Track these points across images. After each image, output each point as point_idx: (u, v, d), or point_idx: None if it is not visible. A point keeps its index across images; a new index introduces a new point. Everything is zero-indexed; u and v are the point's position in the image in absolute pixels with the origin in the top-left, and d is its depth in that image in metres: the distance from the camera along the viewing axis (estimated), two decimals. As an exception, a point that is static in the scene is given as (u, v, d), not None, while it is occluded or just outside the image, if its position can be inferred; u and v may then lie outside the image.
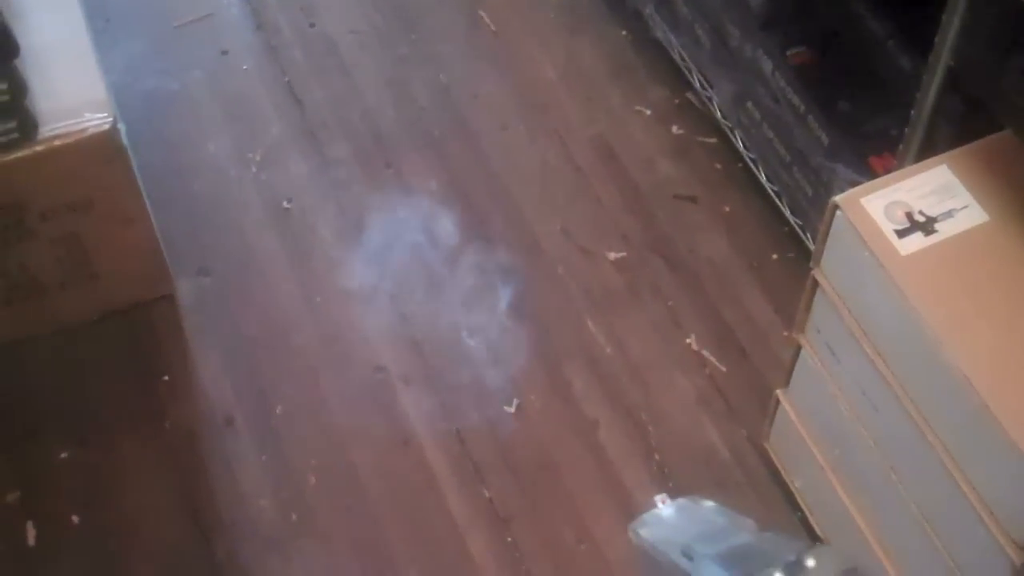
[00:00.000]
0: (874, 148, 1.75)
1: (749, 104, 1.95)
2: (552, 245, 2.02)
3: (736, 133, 2.04)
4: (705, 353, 1.89)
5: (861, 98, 1.82)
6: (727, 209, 2.06)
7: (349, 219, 2.05)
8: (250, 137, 2.16)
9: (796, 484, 1.68)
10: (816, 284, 1.42)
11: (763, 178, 1.99)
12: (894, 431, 1.35)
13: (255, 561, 1.69)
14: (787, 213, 1.95)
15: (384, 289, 1.96)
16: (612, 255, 2.01)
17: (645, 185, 2.10)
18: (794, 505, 1.69)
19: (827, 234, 1.36)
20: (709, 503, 0.98)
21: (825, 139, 1.76)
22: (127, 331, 1.91)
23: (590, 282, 1.97)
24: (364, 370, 1.87)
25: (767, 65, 1.86)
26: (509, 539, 1.70)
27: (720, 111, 2.07)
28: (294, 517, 1.73)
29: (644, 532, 0.82)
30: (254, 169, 2.11)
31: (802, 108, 1.80)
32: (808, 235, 1.88)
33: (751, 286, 1.96)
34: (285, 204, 2.07)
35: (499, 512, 1.73)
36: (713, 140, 2.14)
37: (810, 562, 0.50)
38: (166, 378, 1.87)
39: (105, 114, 1.68)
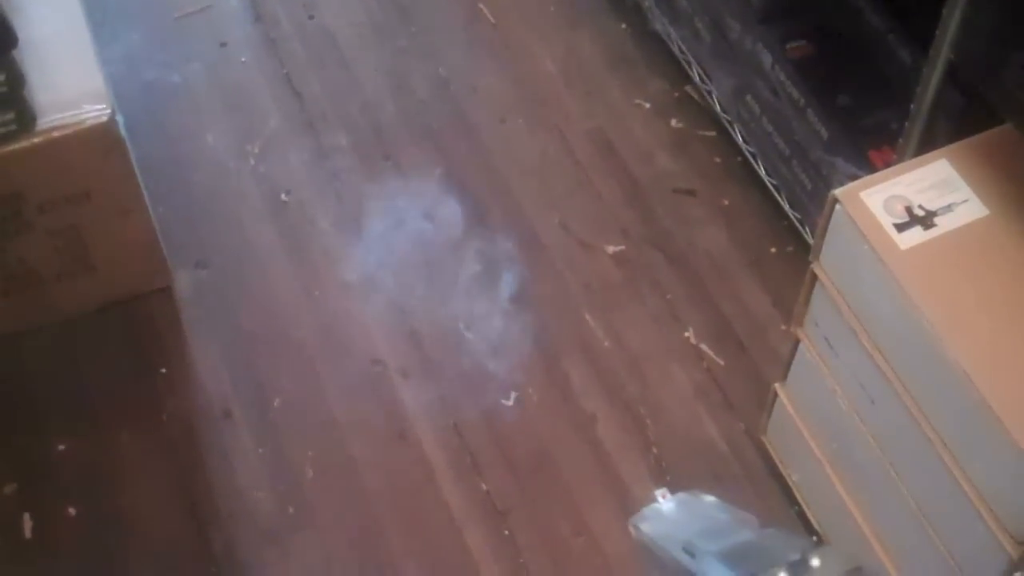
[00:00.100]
0: (874, 142, 1.75)
1: (748, 98, 1.95)
2: (551, 238, 2.01)
3: (735, 127, 2.04)
4: (703, 347, 1.89)
5: (861, 92, 1.82)
6: (726, 203, 2.06)
7: (348, 211, 2.05)
8: (249, 129, 2.15)
9: (793, 478, 1.68)
10: (815, 278, 1.42)
11: (762, 172, 1.99)
12: (892, 425, 1.35)
13: (253, 553, 1.69)
14: (786, 207, 1.95)
15: (382, 282, 1.96)
16: (611, 248, 2.00)
17: (644, 178, 2.09)
18: (791, 499, 1.69)
19: (826, 228, 1.36)
20: (710, 498, 0.98)
21: (824, 133, 1.76)
22: (125, 323, 1.91)
23: (589, 275, 1.97)
24: (362, 363, 1.87)
25: (767, 58, 1.85)
26: (506, 532, 1.70)
27: (719, 104, 2.07)
28: (291, 510, 1.73)
29: (644, 526, 0.81)
30: (252, 161, 2.11)
31: (801, 102, 1.80)
32: (807, 229, 1.88)
33: (750, 280, 1.96)
34: (283, 196, 2.07)
35: (496, 505, 1.73)
36: (712, 134, 2.14)
37: (815, 561, 0.49)
38: (164, 370, 1.87)
39: (103, 106, 1.68)
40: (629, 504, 1.72)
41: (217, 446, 1.79)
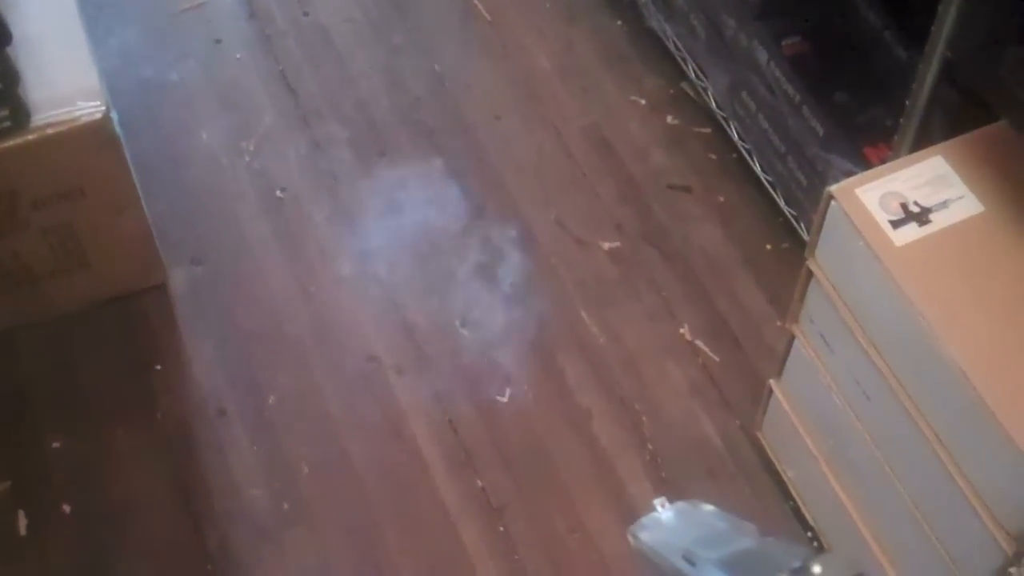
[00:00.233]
0: (869, 139, 1.75)
1: (744, 94, 1.95)
2: (546, 235, 2.01)
3: (731, 123, 2.04)
4: (699, 343, 1.89)
5: (856, 88, 1.82)
6: (721, 199, 2.06)
7: (342, 208, 2.04)
8: (244, 126, 2.15)
9: (789, 474, 1.68)
10: (810, 274, 1.42)
11: (758, 168, 1.99)
12: (887, 421, 1.35)
13: (248, 550, 1.69)
14: (781, 203, 1.95)
15: (377, 278, 1.96)
16: (606, 245, 2.00)
17: (640, 175, 2.09)
18: (786, 495, 1.69)
19: (822, 224, 1.36)
20: (709, 507, 0.98)
21: (820, 129, 1.76)
22: (120, 320, 1.90)
23: (584, 272, 1.97)
24: (357, 359, 1.87)
25: (762, 55, 1.85)
26: (501, 528, 1.70)
27: (715, 101, 2.07)
28: (287, 507, 1.72)
29: (643, 535, 0.81)
30: (247, 158, 2.11)
31: (797, 98, 1.80)
32: (802, 226, 1.88)
33: (745, 276, 1.96)
34: (278, 193, 2.06)
35: (492, 501, 1.73)
36: (708, 130, 2.14)
37: (816, 568, 0.49)
38: (158, 367, 1.86)
39: (98, 103, 1.67)
40: (624, 501, 1.72)
41: (212, 443, 1.79)
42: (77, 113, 1.66)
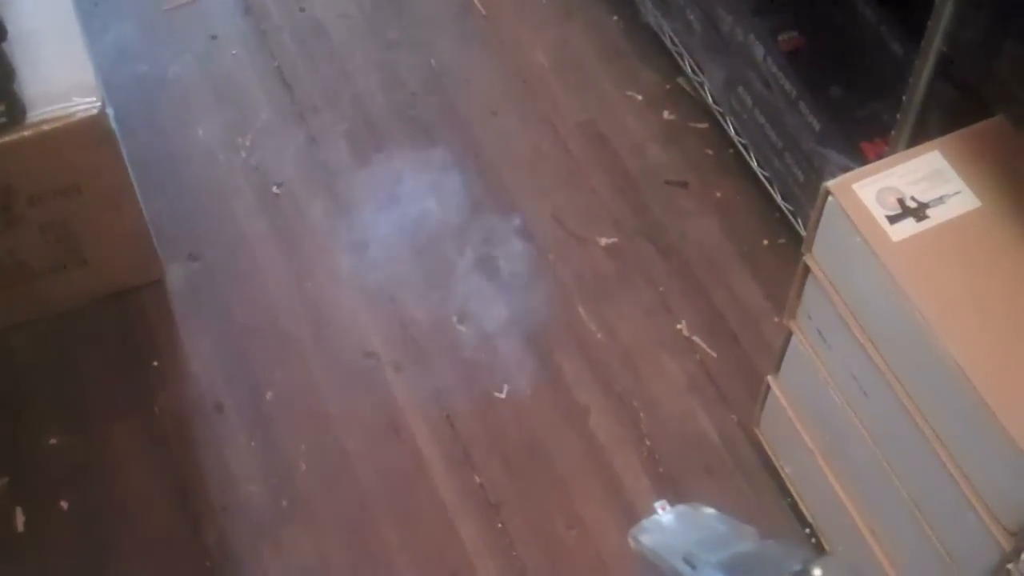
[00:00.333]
0: (866, 134, 1.75)
1: (740, 89, 1.94)
2: (543, 231, 2.01)
3: (727, 119, 2.04)
4: (696, 339, 1.89)
5: (853, 84, 1.82)
6: (718, 195, 2.06)
7: (339, 204, 2.04)
8: (240, 122, 2.15)
9: (786, 470, 1.68)
10: (807, 270, 1.42)
11: (754, 164, 1.99)
12: (885, 417, 1.35)
13: (245, 547, 1.69)
14: (778, 199, 1.95)
15: (374, 274, 1.96)
16: (603, 241, 2.00)
17: (636, 171, 2.09)
18: (784, 491, 1.69)
19: (818, 220, 1.36)
20: (710, 510, 0.99)
21: (817, 125, 1.76)
22: (117, 316, 1.90)
23: (581, 268, 1.97)
24: (354, 355, 1.87)
25: (759, 50, 1.85)
26: (499, 524, 1.70)
27: (711, 96, 2.07)
28: (284, 503, 1.72)
29: (644, 538, 0.81)
30: (244, 154, 2.11)
31: (794, 93, 1.80)
32: (799, 221, 1.88)
33: (742, 272, 1.96)
34: (275, 189, 2.06)
35: (489, 498, 1.73)
36: (704, 125, 2.14)
37: (816, 572, 0.49)
38: (156, 363, 1.86)
39: (94, 98, 1.67)
40: (622, 496, 1.72)
41: (209, 439, 1.79)
42: (73, 109, 1.66)
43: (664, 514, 0.80)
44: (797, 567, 0.50)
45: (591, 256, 1.98)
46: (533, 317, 1.91)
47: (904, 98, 1.43)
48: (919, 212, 1.30)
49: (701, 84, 2.09)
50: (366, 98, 2.19)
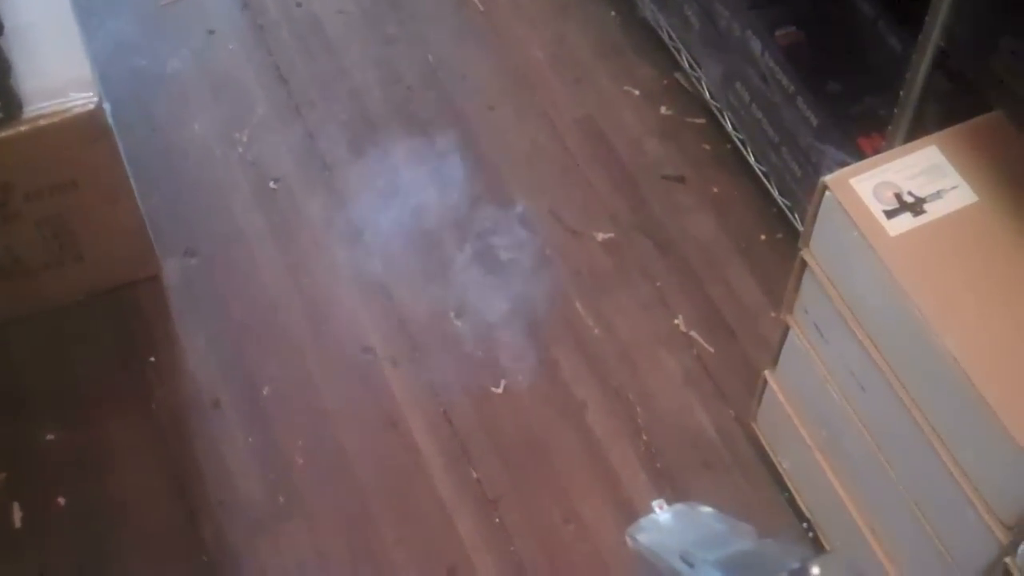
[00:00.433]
0: (863, 129, 1.75)
1: (738, 85, 1.94)
2: (540, 226, 2.01)
3: (725, 114, 2.04)
4: (693, 334, 1.89)
5: (850, 79, 1.82)
6: (715, 190, 2.06)
7: (336, 199, 2.04)
8: (236, 117, 2.15)
9: (784, 464, 1.68)
10: (804, 265, 1.42)
11: (752, 159, 1.99)
12: (882, 411, 1.35)
13: (242, 542, 1.68)
14: (775, 194, 1.94)
15: (371, 270, 1.96)
16: (600, 236, 2.00)
17: (633, 166, 2.09)
18: (782, 486, 1.70)
19: (816, 215, 1.36)
20: (707, 509, 0.99)
21: (814, 120, 1.76)
22: (113, 312, 1.90)
23: (578, 263, 1.97)
24: (351, 351, 1.87)
25: (756, 45, 1.85)
26: (497, 520, 1.70)
27: (709, 92, 2.07)
28: (281, 499, 1.72)
29: (642, 537, 0.82)
30: (240, 149, 2.10)
31: (791, 88, 1.80)
32: (796, 216, 1.88)
33: (739, 267, 1.96)
34: (272, 184, 2.06)
35: (487, 493, 1.73)
36: (701, 121, 2.14)
37: (815, 569, 0.49)
38: (152, 359, 1.86)
39: (90, 94, 1.67)
40: (619, 491, 1.72)
41: (206, 435, 1.79)
42: (69, 104, 1.66)
43: (661, 513, 0.80)
44: (795, 565, 0.50)
45: (588, 251, 1.98)
46: (530, 312, 1.91)
47: (901, 93, 1.43)
48: (916, 207, 1.30)
49: (698, 79, 2.09)
50: (363, 93, 2.19)
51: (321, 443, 1.77)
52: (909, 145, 1.37)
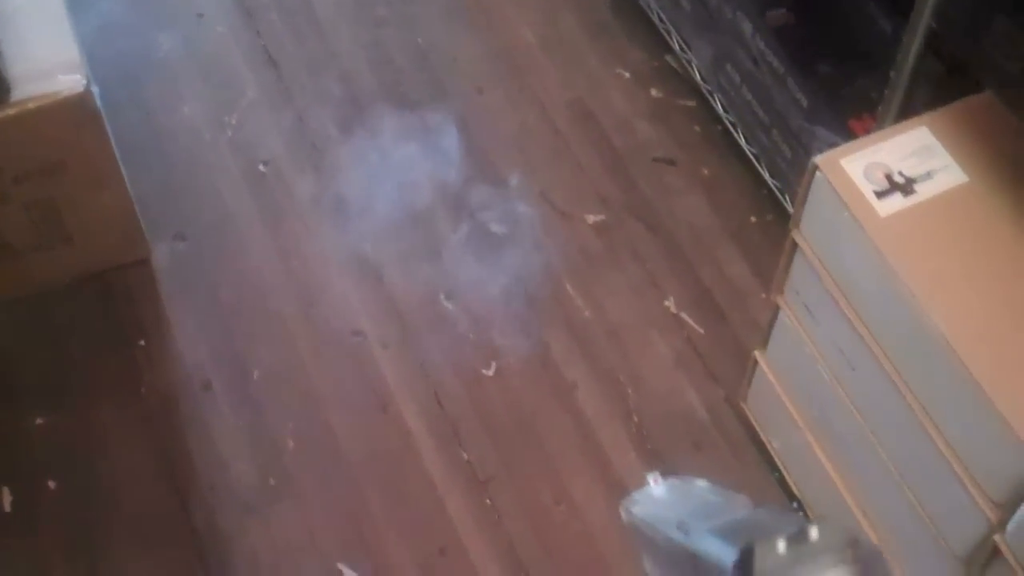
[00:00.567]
0: (854, 110, 1.75)
1: (728, 67, 1.94)
2: (531, 208, 2.01)
3: (715, 96, 2.04)
4: (683, 315, 1.89)
5: (841, 60, 1.81)
6: (706, 172, 2.06)
7: (325, 182, 2.04)
8: (226, 100, 2.14)
9: (774, 444, 1.68)
10: (795, 245, 1.42)
11: (742, 141, 1.99)
12: (872, 391, 1.36)
13: (234, 525, 1.68)
14: (766, 176, 1.95)
15: (361, 252, 1.95)
16: (591, 218, 2.00)
17: (624, 148, 2.09)
18: (772, 465, 1.70)
19: (806, 195, 1.36)
20: (702, 482, 0.99)
21: (805, 101, 1.76)
22: (103, 296, 1.90)
23: (569, 245, 1.97)
24: (342, 334, 1.87)
25: (747, 27, 1.85)
26: (488, 501, 1.71)
27: (699, 74, 2.06)
28: (272, 481, 1.72)
29: (636, 509, 0.82)
30: (230, 132, 2.10)
31: (781, 70, 1.80)
32: (787, 198, 1.88)
33: (729, 249, 1.96)
34: (261, 167, 2.05)
35: (478, 474, 1.73)
36: (692, 103, 2.14)
37: (813, 533, 0.50)
38: (142, 343, 1.86)
39: (78, 76, 1.66)
40: (610, 472, 1.73)
41: (197, 418, 1.78)
42: (57, 87, 1.65)
43: (656, 487, 0.80)
44: (793, 529, 0.50)
45: (579, 233, 1.98)
46: (521, 294, 1.91)
47: (892, 73, 1.43)
48: (907, 187, 1.30)
49: (689, 61, 2.09)
50: (352, 76, 2.18)
51: (312, 426, 1.77)
52: (900, 126, 1.37)
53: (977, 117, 1.35)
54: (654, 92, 2.16)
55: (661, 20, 2.14)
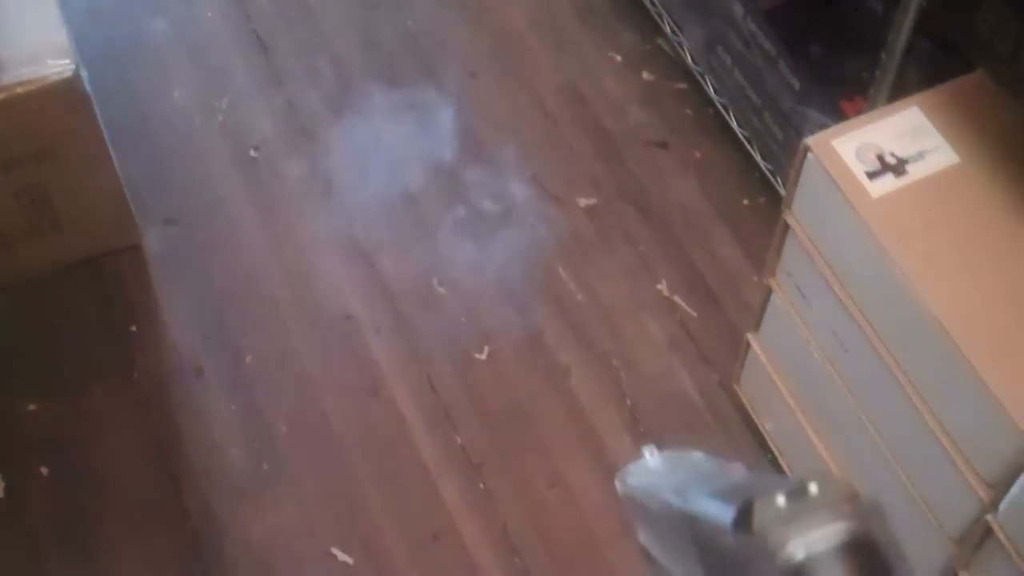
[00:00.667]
0: (846, 92, 1.75)
1: (720, 49, 1.94)
2: (522, 192, 2.00)
3: (707, 79, 2.03)
4: (676, 298, 1.89)
5: (832, 42, 1.81)
6: (698, 155, 2.05)
7: (317, 166, 2.03)
8: (216, 85, 2.13)
9: (767, 426, 1.69)
10: (787, 227, 1.42)
11: (734, 124, 1.99)
12: (865, 372, 1.36)
13: (227, 511, 1.68)
14: (758, 158, 1.94)
15: (353, 237, 1.95)
16: (583, 202, 2.00)
17: (616, 131, 2.09)
18: (765, 447, 1.70)
19: (798, 177, 1.36)
20: (698, 453, 0.99)
21: (796, 83, 1.76)
22: (94, 281, 1.89)
23: (561, 229, 1.97)
24: (334, 318, 1.86)
25: (738, 9, 1.85)
26: (481, 485, 1.71)
27: (691, 56, 2.06)
28: (265, 466, 1.72)
29: (632, 480, 0.81)
30: (220, 117, 2.09)
31: (773, 52, 1.79)
32: (779, 180, 1.88)
33: (722, 231, 1.96)
34: (252, 152, 2.05)
35: (471, 458, 1.73)
36: (684, 86, 2.13)
37: (813, 488, 0.49)
38: (134, 328, 1.85)
39: (67, 60, 1.65)
40: (604, 455, 1.73)
41: (189, 403, 1.78)
42: (46, 71, 1.64)
43: (651, 459, 0.80)
44: (792, 486, 0.50)
45: (571, 217, 1.98)
46: (513, 278, 1.90)
47: (883, 54, 1.43)
48: (899, 168, 1.30)
49: (680, 44, 2.09)
50: (343, 60, 2.18)
51: (305, 410, 1.77)
52: (891, 106, 1.37)
53: (968, 97, 1.35)
54: (646, 75, 2.16)
55: (652, 3, 2.13)
